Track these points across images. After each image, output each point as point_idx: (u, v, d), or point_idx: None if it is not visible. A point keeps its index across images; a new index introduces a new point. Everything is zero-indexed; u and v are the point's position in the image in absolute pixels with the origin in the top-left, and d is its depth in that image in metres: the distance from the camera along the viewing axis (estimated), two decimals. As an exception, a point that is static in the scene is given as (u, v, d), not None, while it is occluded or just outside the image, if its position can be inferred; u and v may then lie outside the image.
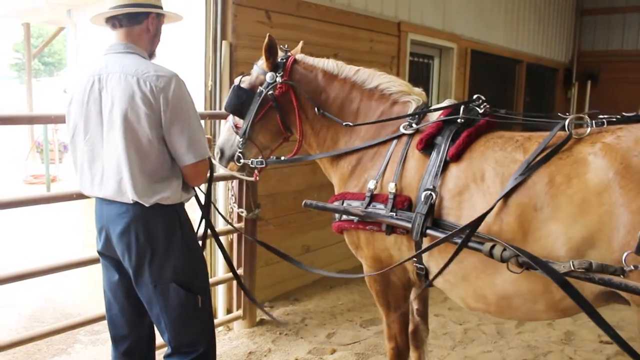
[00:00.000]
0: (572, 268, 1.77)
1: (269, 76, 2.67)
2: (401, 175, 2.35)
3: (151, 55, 2.38)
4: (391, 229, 2.34)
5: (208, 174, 2.42)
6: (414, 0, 6.28)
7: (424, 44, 6.57)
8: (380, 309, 2.66)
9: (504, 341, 3.94)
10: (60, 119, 2.53)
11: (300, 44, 2.96)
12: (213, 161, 2.92)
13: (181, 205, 2.36)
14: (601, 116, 2.07)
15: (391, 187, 2.33)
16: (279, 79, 2.66)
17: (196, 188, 2.49)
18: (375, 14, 5.66)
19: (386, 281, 2.54)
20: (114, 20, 2.28)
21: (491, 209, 2.00)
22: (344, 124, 2.61)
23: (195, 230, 2.50)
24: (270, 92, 2.66)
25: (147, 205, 2.19)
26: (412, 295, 2.86)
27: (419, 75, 6.81)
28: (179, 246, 2.28)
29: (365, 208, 2.36)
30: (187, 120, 2.20)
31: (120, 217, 2.23)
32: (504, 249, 1.91)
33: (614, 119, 2.06)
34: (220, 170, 3.92)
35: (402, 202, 2.29)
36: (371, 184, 2.39)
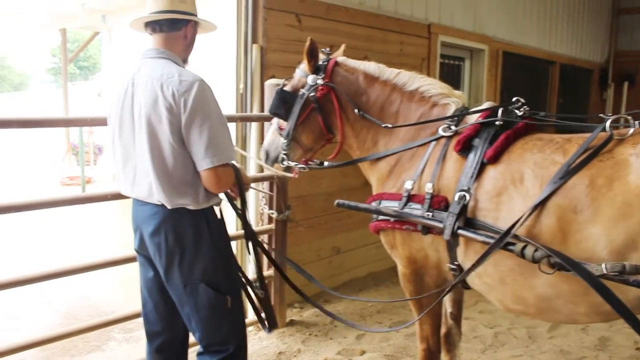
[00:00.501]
0: (605, 271, 1.75)
1: (310, 79, 2.73)
2: (439, 176, 2.36)
3: (184, 62, 2.42)
4: (427, 229, 2.35)
5: (231, 181, 2.36)
6: (445, 2, 6.25)
7: (454, 45, 6.53)
8: (413, 309, 2.67)
9: (535, 345, 3.88)
10: (95, 122, 2.62)
11: (343, 47, 3.01)
12: (262, 164, 2.98)
13: (210, 209, 2.38)
14: None
15: (428, 188, 2.34)
16: (320, 81, 2.70)
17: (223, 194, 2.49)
18: (405, 16, 5.65)
19: (420, 282, 2.55)
20: (154, 25, 2.33)
21: (530, 214, 1.99)
22: (382, 125, 2.64)
23: (228, 232, 2.54)
24: (312, 94, 2.71)
25: (169, 207, 2.24)
26: (447, 298, 2.87)
27: (450, 78, 6.76)
28: (207, 247, 2.31)
29: (402, 208, 2.37)
30: (207, 124, 2.17)
31: (152, 218, 2.30)
32: (536, 250, 1.90)
33: None
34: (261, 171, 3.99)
35: (438, 203, 2.30)
36: (408, 185, 2.41)
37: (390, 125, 2.62)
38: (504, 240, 1.99)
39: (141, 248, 2.42)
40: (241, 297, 2.53)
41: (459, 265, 2.31)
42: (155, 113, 2.18)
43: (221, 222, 2.44)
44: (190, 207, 2.27)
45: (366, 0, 5.17)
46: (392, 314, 4.41)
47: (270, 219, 3.95)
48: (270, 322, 2.70)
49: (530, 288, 2.11)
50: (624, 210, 1.83)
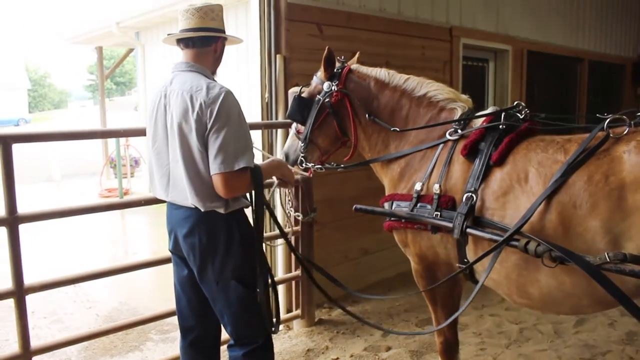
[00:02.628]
0: (607, 259, 1.84)
1: (325, 85, 2.90)
2: (446, 178, 2.49)
3: (213, 73, 2.58)
4: (436, 228, 2.48)
5: (244, 186, 2.44)
6: (466, 4, 6.32)
7: (477, 47, 6.57)
8: (428, 304, 2.80)
9: (560, 340, 3.92)
10: (128, 133, 2.80)
11: (357, 54, 3.15)
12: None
13: (239, 210, 2.53)
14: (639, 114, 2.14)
15: (436, 189, 2.47)
16: (334, 88, 2.87)
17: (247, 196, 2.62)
18: (426, 20, 5.75)
19: (432, 278, 2.68)
20: (186, 41, 2.51)
21: (533, 211, 2.09)
22: (392, 129, 2.78)
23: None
24: (327, 99, 2.88)
25: (202, 210, 2.41)
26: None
27: (474, 80, 6.82)
28: (237, 247, 2.47)
29: (412, 208, 2.52)
30: (222, 131, 2.31)
31: (186, 221, 2.47)
32: (538, 244, 2.01)
33: None
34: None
35: (446, 203, 2.43)
36: (418, 186, 2.55)
37: (398, 129, 2.76)
38: (512, 237, 2.10)
39: (175, 249, 2.60)
40: (269, 293, 2.66)
41: (468, 263, 2.42)
42: (186, 123, 2.35)
43: (248, 221, 2.59)
44: (221, 210, 2.42)
45: (386, 6, 5.29)
46: (419, 312, 4.49)
47: (296, 221, 4.10)
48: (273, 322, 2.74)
49: (534, 282, 2.22)
50: (619, 203, 1.94)
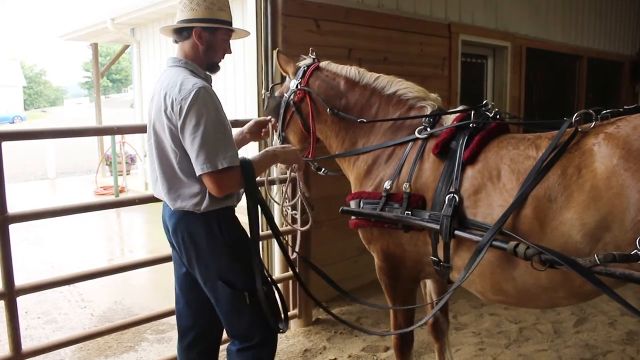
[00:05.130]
0: (597, 262, 1.84)
1: (291, 84, 2.94)
2: (416, 177, 2.47)
3: (212, 66, 2.48)
4: (409, 227, 2.45)
5: (235, 183, 2.30)
6: (465, 0, 6.27)
7: (476, 44, 6.52)
8: (387, 300, 2.79)
9: (560, 340, 3.88)
10: (122, 130, 2.74)
11: (310, 50, 3.12)
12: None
13: (220, 210, 2.39)
14: (605, 111, 2.15)
15: (406, 187, 2.45)
16: (297, 86, 2.89)
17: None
18: (425, 16, 5.69)
19: (396, 275, 2.67)
20: (174, 36, 2.46)
21: (514, 207, 2.07)
22: (358, 120, 2.75)
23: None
24: (292, 98, 2.90)
25: (172, 209, 2.37)
26: (433, 289, 3.07)
27: (472, 76, 6.77)
28: (220, 247, 2.37)
29: (383, 206, 2.49)
30: (199, 130, 2.18)
31: (171, 218, 2.42)
32: (527, 247, 1.98)
33: (616, 112, 2.14)
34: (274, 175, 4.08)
35: (416, 202, 2.41)
36: (387, 184, 2.52)
37: (365, 120, 2.73)
38: (492, 238, 2.06)
39: (171, 244, 2.54)
40: (264, 292, 2.50)
41: (438, 260, 2.41)
42: (159, 121, 2.30)
43: (235, 222, 2.47)
44: (193, 210, 2.34)
45: (385, 2, 5.22)
46: (417, 311, 4.42)
47: (294, 220, 4.03)
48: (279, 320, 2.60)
49: (509, 279, 2.21)
50: (593, 193, 1.95)
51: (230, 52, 2.52)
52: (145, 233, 8.04)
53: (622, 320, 4.18)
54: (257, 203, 2.44)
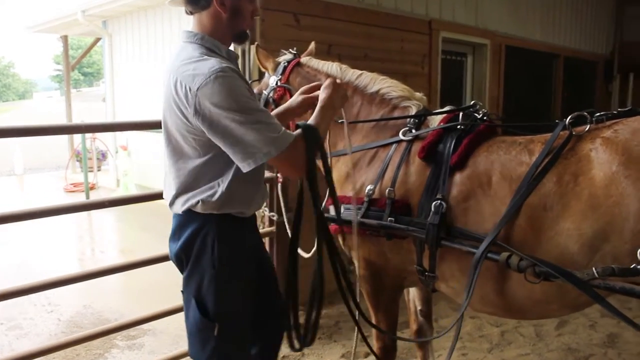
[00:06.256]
0: (596, 275, 1.74)
1: (271, 80, 2.78)
2: (400, 181, 2.33)
3: (241, 36, 2.04)
4: (391, 235, 2.32)
5: (298, 158, 1.91)
6: (445, -4, 6.19)
7: (456, 41, 6.46)
8: (369, 309, 2.65)
9: (542, 344, 3.83)
10: (90, 129, 2.56)
11: (312, 45, 2.98)
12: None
13: (223, 218, 2.03)
14: (598, 113, 2.05)
15: (389, 193, 2.31)
16: (277, 83, 2.73)
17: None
18: (406, 12, 5.59)
19: (378, 283, 2.54)
20: (186, 7, 1.98)
21: (509, 216, 1.96)
22: (339, 121, 2.57)
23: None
24: (271, 95, 2.74)
25: (180, 212, 2.06)
26: (417, 297, 2.94)
27: (452, 74, 6.71)
28: (207, 263, 2.02)
29: (365, 212, 2.35)
30: (226, 127, 1.79)
31: (174, 219, 2.14)
32: (521, 259, 1.87)
33: (611, 115, 2.04)
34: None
35: (400, 208, 2.28)
36: (369, 188, 2.38)
37: (345, 121, 2.45)
38: (487, 250, 1.95)
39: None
40: (243, 331, 2.14)
41: (423, 268, 2.29)
42: (168, 110, 1.93)
43: (236, 238, 2.07)
44: (198, 210, 1.99)
45: (365, -3, 5.12)
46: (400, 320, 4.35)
47: (271, 222, 3.91)
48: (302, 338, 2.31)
49: (500, 292, 2.10)
50: (591, 202, 1.85)
51: (258, 13, 2.07)
52: (117, 232, 7.81)
53: (603, 322, 4.15)
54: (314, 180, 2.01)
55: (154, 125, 2.87)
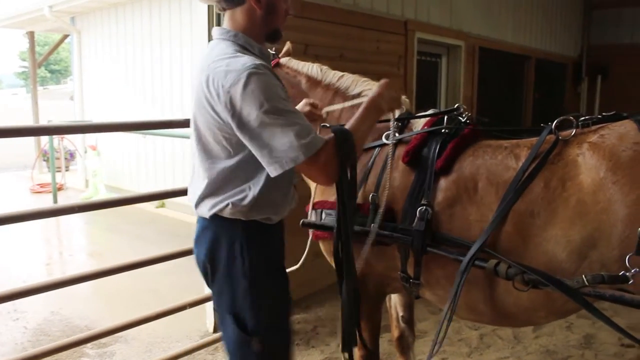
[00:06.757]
0: (586, 283, 1.72)
1: None
2: (384, 186, 2.26)
3: (274, 34, 1.98)
4: (377, 241, 2.25)
5: (330, 162, 1.80)
6: (420, -3, 6.18)
7: (431, 42, 6.45)
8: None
9: (521, 346, 3.83)
10: (60, 131, 2.44)
11: (288, 45, 2.89)
12: None
13: (251, 226, 1.90)
14: (582, 118, 2.04)
15: (373, 198, 2.25)
16: None
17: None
18: (382, 13, 5.56)
19: (361, 290, 2.42)
20: (219, 4, 1.92)
21: (496, 222, 1.93)
22: (321, 125, 2.50)
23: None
24: None
25: (201, 215, 1.95)
26: (399, 303, 2.90)
27: (427, 75, 6.70)
28: (239, 274, 1.90)
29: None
30: (255, 128, 1.71)
31: (198, 222, 2.03)
32: (509, 267, 1.84)
33: (596, 119, 2.02)
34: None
35: (384, 214, 2.21)
36: None
37: (327, 125, 2.39)
38: (474, 258, 1.91)
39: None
40: (284, 344, 2.03)
41: (408, 275, 2.25)
42: (199, 109, 1.83)
43: (265, 246, 1.95)
44: (226, 215, 1.88)
45: (342, -3, 5.07)
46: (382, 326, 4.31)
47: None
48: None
49: (487, 299, 2.06)
50: (579, 208, 1.82)
51: (292, 12, 2.01)
52: (86, 235, 7.60)
53: (579, 323, 4.18)
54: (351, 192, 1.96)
55: (127, 127, 2.76)
